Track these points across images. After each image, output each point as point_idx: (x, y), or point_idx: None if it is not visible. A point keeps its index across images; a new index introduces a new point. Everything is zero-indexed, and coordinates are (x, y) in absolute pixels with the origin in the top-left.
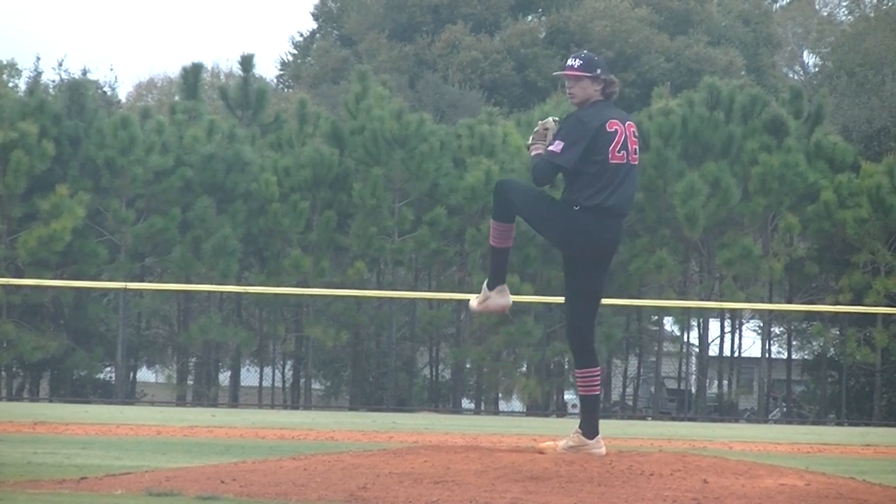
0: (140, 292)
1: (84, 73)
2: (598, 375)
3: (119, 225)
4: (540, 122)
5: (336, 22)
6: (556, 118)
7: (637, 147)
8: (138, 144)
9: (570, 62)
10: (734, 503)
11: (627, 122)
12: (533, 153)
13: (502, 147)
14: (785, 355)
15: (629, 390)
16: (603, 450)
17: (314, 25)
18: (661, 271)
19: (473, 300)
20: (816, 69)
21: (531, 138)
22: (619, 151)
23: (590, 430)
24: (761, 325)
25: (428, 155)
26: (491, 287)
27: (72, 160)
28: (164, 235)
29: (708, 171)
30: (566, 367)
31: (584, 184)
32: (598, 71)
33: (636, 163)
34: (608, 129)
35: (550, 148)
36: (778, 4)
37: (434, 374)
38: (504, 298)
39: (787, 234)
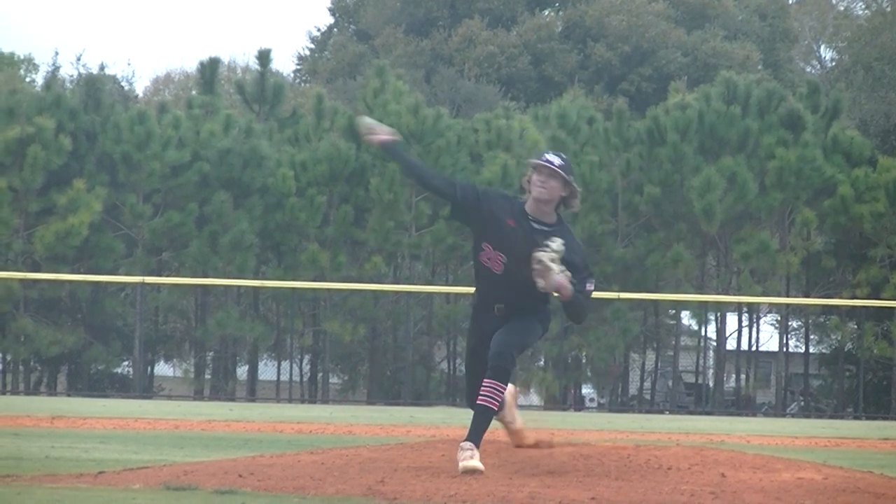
0: (157, 287)
1: (102, 68)
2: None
3: (136, 219)
4: (548, 251)
5: (353, 17)
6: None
7: None
8: (155, 139)
9: (551, 157)
10: (752, 497)
11: None
12: (561, 287)
13: (519, 142)
14: (802, 349)
15: (647, 384)
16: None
17: (331, 20)
18: (678, 266)
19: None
20: (833, 64)
21: (544, 260)
22: None
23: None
24: (779, 319)
25: (445, 150)
26: (476, 442)
27: (88, 155)
28: (181, 230)
29: (725, 165)
30: (584, 361)
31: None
32: (571, 178)
33: None
34: None
35: (589, 286)
36: None
37: (451, 368)
38: (475, 462)
39: (804, 229)
